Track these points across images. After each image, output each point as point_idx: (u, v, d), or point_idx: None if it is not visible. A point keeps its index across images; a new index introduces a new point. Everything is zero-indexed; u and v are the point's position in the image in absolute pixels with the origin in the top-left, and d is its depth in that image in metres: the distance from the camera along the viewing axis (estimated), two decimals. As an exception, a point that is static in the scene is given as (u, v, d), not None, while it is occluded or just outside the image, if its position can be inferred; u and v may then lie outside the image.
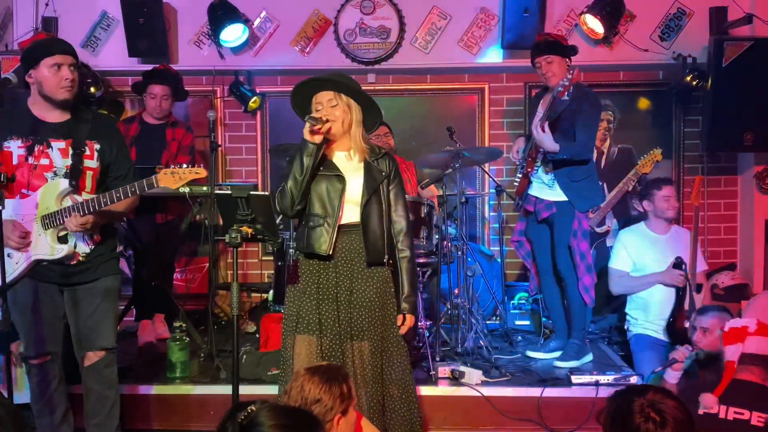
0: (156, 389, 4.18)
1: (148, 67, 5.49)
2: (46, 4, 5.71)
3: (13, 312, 3.35)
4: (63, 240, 3.39)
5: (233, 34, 5.74)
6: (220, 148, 5.94)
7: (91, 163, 3.44)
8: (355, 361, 3.27)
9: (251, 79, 6.06)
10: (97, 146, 3.45)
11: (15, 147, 3.35)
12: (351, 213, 3.32)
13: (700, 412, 3.01)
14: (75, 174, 3.38)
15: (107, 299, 3.52)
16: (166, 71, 5.40)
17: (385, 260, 3.35)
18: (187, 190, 4.52)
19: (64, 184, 3.35)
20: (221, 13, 5.63)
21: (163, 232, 5.26)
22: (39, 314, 3.43)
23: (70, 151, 3.38)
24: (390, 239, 3.38)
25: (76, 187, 3.39)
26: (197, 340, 4.74)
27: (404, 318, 3.36)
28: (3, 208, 3.06)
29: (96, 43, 5.89)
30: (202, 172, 3.27)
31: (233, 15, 5.65)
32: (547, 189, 4.51)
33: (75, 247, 3.41)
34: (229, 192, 3.14)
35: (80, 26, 5.85)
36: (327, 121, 3.20)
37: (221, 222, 3.68)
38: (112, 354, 3.56)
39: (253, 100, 5.94)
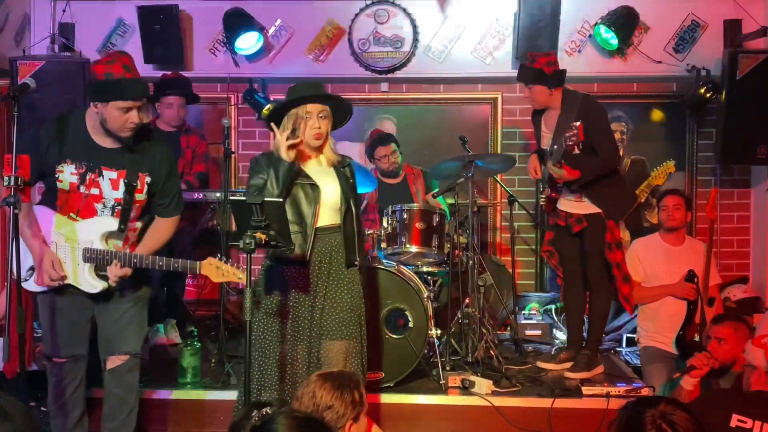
0: (167, 394, 4.20)
1: (165, 73, 5.53)
2: (63, 11, 5.75)
3: (41, 313, 3.40)
4: (100, 277, 3.41)
5: (248, 42, 5.77)
6: (233, 155, 5.97)
7: (140, 196, 3.45)
8: (323, 361, 3.37)
9: (265, 87, 6.08)
10: (147, 179, 3.44)
11: (68, 173, 3.36)
12: (329, 216, 3.44)
13: (732, 424, 2.97)
14: (125, 217, 3.40)
15: (137, 306, 3.56)
16: (178, 79, 5.45)
17: (357, 261, 3.49)
18: (200, 195, 4.56)
19: (113, 225, 3.39)
20: (237, 22, 5.67)
21: (175, 237, 5.27)
22: (64, 316, 3.47)
23: (122, 186, 3.38)
24: (361, 241, 3.53)
25: (124, 231, 3.42)
26: (208, 345, 4.75)
27: None
28: (19, 211, 3.09)
29: (112, 50, 5.93)
30: (243, 277, 3.18)
31: (248, 23, 5.69)
32: (575, 202, 4.47)
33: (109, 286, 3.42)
34: (243, 198, 3.15)
35: (97, 33, 5.90)
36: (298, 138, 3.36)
37: (234, 228, 3.71)
38: (136, 359, 3.58)
39: (267, 107, 5.95)
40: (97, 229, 3.38)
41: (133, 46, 5.85)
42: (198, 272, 3.30)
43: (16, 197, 3.06)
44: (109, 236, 3.41)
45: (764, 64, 5.32)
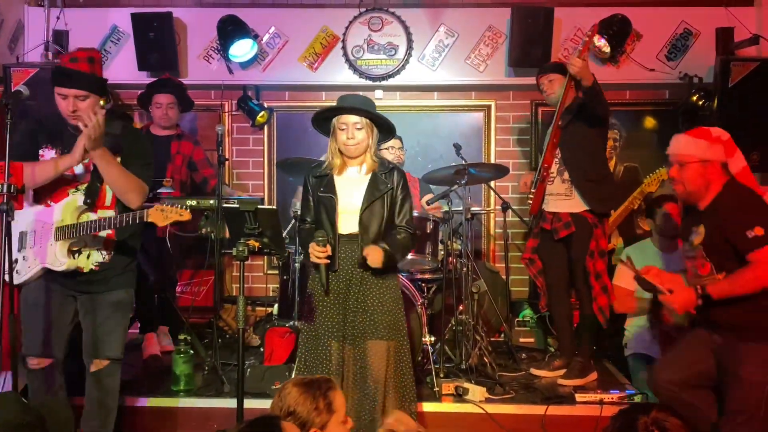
0: (160, 401, 4.19)
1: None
2: (57, 18, 5.76)
3: (22, 309, 3.40)
4: (73, 254, 3.44)
5: (242, 49, 5.79)
6: (227, 162, 5.95)
7: None
8: (350, 365, 3.48)
9: (259, 94, 6.09)
10: (118, 159, 3.49)
11: (48, 157, 3.46)
12: (349, 223, 3.52)
13: None
14: (91, 192, 3.45)
15: (118, 311, 3.59)
16: (169, 80, 5.44)
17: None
18: (193, 203, 4.55)
19: (81, 200, 3.44)
20: (231, 29, 5.68)
21: (166, 245, 5.26)
22: (46, 315, 3.48)
23: (92, 167, 3.44)
24: (392, 243, 3.52)
25: (91, 205, 3.46)
26: (201, 353, 4.74)
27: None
28: (12, 219, 3.09)
29: (106, 57, 5.92)
30: (185, 215, 3.32)
31: (242, 30, 5.70)
32: (563, 199, 4.50)
33: (80, 256, 3.45)
34: (237, 206, 3.16)
35: (91, 40, 5.87)
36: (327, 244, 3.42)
37: (227, 235, 3.71)
38: (116, 364, 3.60)
39: (260, 114, 5.98)
40: (68, 208, 3.42)
41: (127, 53, 5.87)
42: (146, 219, 3.31)
43: (9, 204, 3.07)
44: (80, 212, 3.45)
45: (756, 72, 5.35)
